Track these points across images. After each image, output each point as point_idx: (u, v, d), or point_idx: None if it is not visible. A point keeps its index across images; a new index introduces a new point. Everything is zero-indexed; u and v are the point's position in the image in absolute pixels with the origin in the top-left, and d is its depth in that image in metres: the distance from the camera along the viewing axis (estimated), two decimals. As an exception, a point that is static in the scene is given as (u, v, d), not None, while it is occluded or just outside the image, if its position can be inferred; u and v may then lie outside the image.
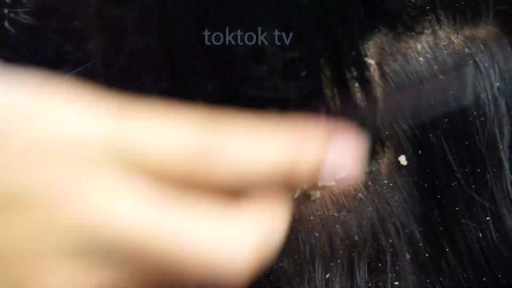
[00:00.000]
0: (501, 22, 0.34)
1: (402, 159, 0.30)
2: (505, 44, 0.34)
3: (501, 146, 0.31)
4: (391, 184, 0.30)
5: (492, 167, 0.31)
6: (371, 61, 0.30)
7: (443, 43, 0.31)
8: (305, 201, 0.29)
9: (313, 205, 0.29)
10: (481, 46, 0.32)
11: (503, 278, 0.30)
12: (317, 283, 0.29)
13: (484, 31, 0.33)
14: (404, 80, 0.30)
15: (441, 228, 0.30)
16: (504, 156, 0.31)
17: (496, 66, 0.32)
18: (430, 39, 0.31)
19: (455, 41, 0.31)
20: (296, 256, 0.30)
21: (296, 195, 0.29)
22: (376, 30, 0.29)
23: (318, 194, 0.30)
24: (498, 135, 0.31)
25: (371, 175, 0.30)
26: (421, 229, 0.30)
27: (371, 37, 0.30)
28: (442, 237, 0.30)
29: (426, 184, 0.30)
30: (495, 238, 0.30)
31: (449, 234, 0.30)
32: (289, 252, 0.29)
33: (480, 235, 0.30)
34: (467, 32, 0.32)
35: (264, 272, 0.29)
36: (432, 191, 0.30)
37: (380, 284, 0.29)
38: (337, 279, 0.29)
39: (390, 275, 0.29)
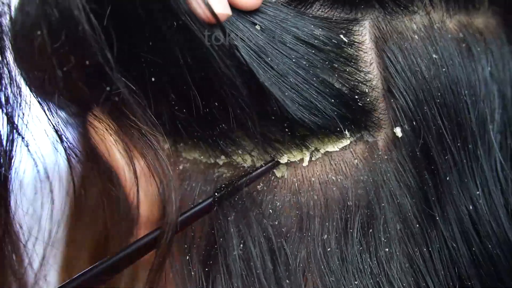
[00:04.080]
0: (496, 12, 0.35)
1: (398, 131, 0.31)
2: (500, 34, 0.35)
3: (491, 127, 0.32)
4: (386, 157, 0.31)
5: (482, 145, 0.32)
6: (367, 38, 0.31)
7: (437, 25, 0.32)
8: (309, 161, 0.30)
9: (314, 168, 0.31)
10: (476, 33, 0.33)
11: (493, 248, 0.30)
12: (313, 242, 0.30)
13: (480, 19, 0.34)
14: (400, 58, 0.31)
15: (433, 199, 0.31)
16: (494, 137, 0.32)
17: (489, 53, 0.34)
18: (425, 20, 0.32)
19: (449, 25, 0.33)
20: (295, 216, 0.30)
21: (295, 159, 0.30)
22: (372, 7, 0.31)
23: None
24: (488, 117, 0.32)
25: (368, 146, 0.31)
26: (413, 200, 0.31)
27: (367, 16, 0.31)
28: (433, 208, 0.31)
29: (420, 156, 0.31)
30: (485, 210, 0.31)
31: (440, 205, 0.31)
32: (288, 212, 0.30)
33: (471, 207, 0.31)
34: (462, 18, 0.33)
35: (264, 231, 0.30)
36: (426, 163, 0.31)
37: (371, 248, 0.30)
38: (332, 240, 0.30)
39: (380, 241, 0.30)
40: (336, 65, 0.29)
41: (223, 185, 0.30)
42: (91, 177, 0.40)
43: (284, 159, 0.30)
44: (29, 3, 0.26)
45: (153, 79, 0.28)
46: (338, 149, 0.30)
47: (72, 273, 0.40)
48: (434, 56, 0.31)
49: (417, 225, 0.31)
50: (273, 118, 0.28)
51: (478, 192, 0.31)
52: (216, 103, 0.28)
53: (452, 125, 0.31)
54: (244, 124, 0.29)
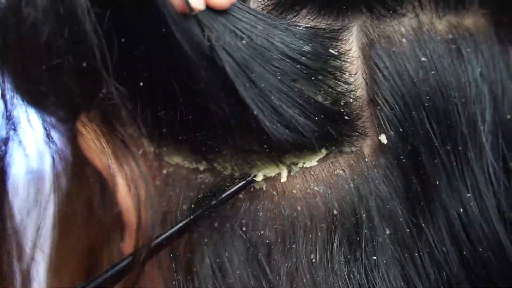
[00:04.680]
0: (486, 11, 0.35)
1: (383, 138, 0.30)
2: (490, 34, 0.35)
3: (482, 128, 0.32)
4: (373, 163, 0.31)
5: (473, 147, 0.32)
6: (353, 46, 0.31)
7: (426, 27, 0.32)
8: (287, 176, 0.30)
9: (294, 181, 0.30)
10: (465, 33, 0.33)
11: (484, 252, 0.30)
12: (297, 253, 0.30)
13: (469, 19, 0.34)
14: (387, 63, 0.31)
15: (422, 203, 0.30)
16: (485, 138, 0.32)
17: (479, 53, 0.33)
18: (414, 22, 0.32)
19: (439, 26, 0.32)
20: (278, 227, 0.30)
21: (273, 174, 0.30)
22: (360, 12, 0.31)
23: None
24: (479, 118, 0.32)
25: (353, 155, 0.31)
26: (402, 205, 0.30)
27: (355, 22, 0.31)
28: (423, 213, 0.30)
29: (408, 162, 0.31)
30: (476, 214, 0.31)
31: (429, 209, 0.31)
32: (271, 223, 0.30)
33: (461, 210, 0.31)
34: (452, 19, 0.33)
35: (245, 242, 0.30)
36: (414, 168, 0.31)
37: (358, 257, 0.30)
38: (317, 251, 0.30)
39: (367, 249, 0.30)
40: (321, 79, 0.29)
41: (197, 204, 0.30)
42: (79, 182, 0.40)
43: (259, 177, 0.30)
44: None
45: (141, 83, 0.28)
46: (316, 163, 0.30)
47: (61, 277, 0.41)
48: (422, 59, 0.31)
49: (408, 230, 0.30)
50: (251, 133, 0.28)
51: (468, 195, 0.31)
52: (198, 111, 0.28)
53: (441, 128, 0.31)
54: (223, 133, 0.28)
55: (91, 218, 0.39)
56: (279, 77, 0.28)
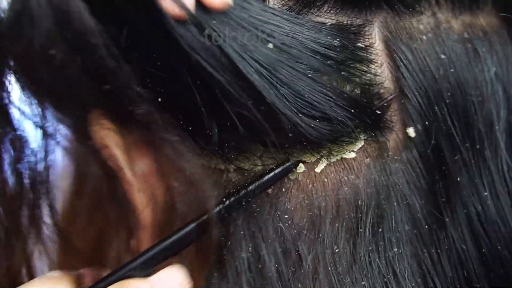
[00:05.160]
0: (500, 12, 0.35)
1: (411, 131, 0.30)
2: (503, 34, 0.35)
3: (497, 127, 0.32)
4: (396, 157, 0.31)
5: (489, 145, 0.32)
6: (377, 39, 0.31)
7: (443, 25, 0.32)
8: (319, 166, 0.30)
9: (328, 170, 0.30)
10: (480, 33, 0.33)
11: (502, 250, 0.30)
12: (323, 243, 0.30)
13: (483, 19, 0.34)
14: (410, 58, 0.31)
15: (443, 200, 0.30)
16: (500, 137, 0.32)
17: (494, 53, 0.34)
18: (431, 20, 0.32)
19: (455, 25, 0.33)
20: (307, 216, 0.30)
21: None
22: (381, 8, 0.31)
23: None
24: (495, 117, 0.32)
25: (379, 146, 0.31)
26: (423, 201, 0.30)
27: (376, 17, 0.31)
28: (443, 209, 0.31)
29: (432, 157, 0.31)
30: (493, 211, 0.31)
31: (450, 206, 0.31)
32: (301, 213, 0.30)
33: (480, 208, 0.31)
34: (467, 18, 0.33)
35: (276, 226, 0.30)
36: (437, 164, 0.31)
37: (380, 248, 0.30)
38: (342, 240, 0.30)
39: (389, 241, 0.30)
40: (352, 72, 0.29)
41: (235, 190, 0.29)
42: (86, 178, 0.40)
43: (301, 168, 0.30)
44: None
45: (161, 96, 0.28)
46: (354, 154, 0.30)
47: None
48: (442, 56, 0.31)
49: (426, 226, 0.30)
50: (288, 133, 0.28)
51: (486, 193, 0.31)
52: (226, 121, 0.28)
53: (461, 125, 0.31)
54: (256, 137, 0.28)
55: (98, 213, 0.38)
56: (309, 75, 0.28)
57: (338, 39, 0.29)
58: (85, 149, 0.36)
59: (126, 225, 0.35)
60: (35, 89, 0.30)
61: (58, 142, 0.32)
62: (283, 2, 0.30)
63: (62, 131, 0.34)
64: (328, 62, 0.28)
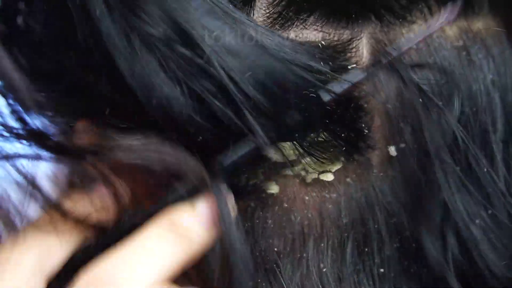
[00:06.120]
0: (497, 15, 0.34)
1: (392, 150, 0.30)
2: (501, 38, 0.34)
3: (493, 138, 0.31)
4: (381, 174, 0.30)
5: (484, 157, 0.31)
6: (364, 54, 0.30)
7: (436, 33, 0.31)
8: (299, 183, 0.30)
9: (308, 187, 0.30)
10: (476, 38, 0.32)
11: (497, 269, 0.30)
12: (309, 262, 0.29)
13: (480, 24, 0.33)
14: (396, 70, 0.30)
15: (432, 216, 0.30)
16: (496, 148, 0.31)
17: (491, 59, 0.32)
18: (423, 29, 0.31)
19: (449, 32, 0.32)
20: (288, 235, 0.30)
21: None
22: (369, 20, 0.30)
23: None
24: (490, 127, 0.31)
25: (361, 164, 0.30)
26: (409, 218, 0.30)
27: (365, 29, 0.30)
28: (430, 227, 0.30)
29: (418, 173, 0.30)
30: (488, 226, 0.30)
31: (441, 223, 0.30)
32: (280, 231, 0.30)
33: (471, 224, 0.30)
34: (462, 24, 0.32)
35: (256, 251, 0.29)
36: (424, 180, 0.30)
37: (366, 268, 0.29)
38: (328, 260, 0.29)
39: (375, 260, 0.29)
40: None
41: None
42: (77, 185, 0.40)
43: (274, 189, 0.29)
44: None
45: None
46: (332, 175, 0.29)
47: None
48: (433, 67, 0.30)
49: (413, 245, 0.30)
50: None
51: (478, 208, 0.30)
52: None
53: (451, 140, 0.30)
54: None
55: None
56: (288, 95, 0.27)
57: (316, 59, 0.28)
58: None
59: None
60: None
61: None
62: (267, 14, 0.29)
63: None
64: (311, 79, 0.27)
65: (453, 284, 0.30)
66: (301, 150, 0.28)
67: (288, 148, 0.28)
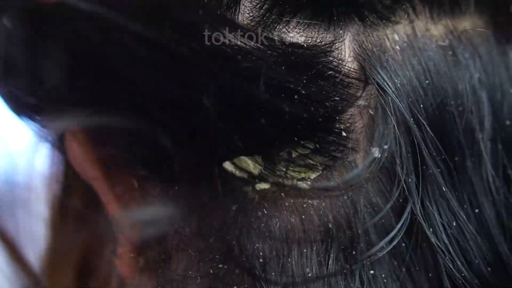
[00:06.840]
0: (483, 13, 0.34)
1: (375, 151, 0.29)
2: (487, 36, 0.33)
3: (480, 136, 0.31)
4: (367, 175, 0.30)
5: (471, 156, 0.31)
6: (346, 56, 0.30)
7: (421, 33, 0.31)
8: (280, 189, 0.29)
9: (289, 193, 0.29)
10: (462, 37, 0.32)
11: (485, 268, 0.30)
12: (293, 268, 0.29)
13: (466, 22, 0.33)
14: (381, 73, 0.30)
15: (419, 215, 0.30)
16: (483, 147, 0.31)
17: (477, 58, 0.32)
18: (408, 29, 0.31)
19: (434, 31, 0.31)
20: (271, 242, 0.29)
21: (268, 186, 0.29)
22: (352, 21, 0.29)
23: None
24: (477, 126, 0.31)
25: (345, 166, 0.30)
26: (397, 218, 0.30)
27: (347, 31, 0.30)
28: (419, 226, 0.30)
29: (403, 174, 0.30)
30: (474, 226, 0.30)
31: (427, 222, 0.30)
32: (264, 237, 0.29)
33: (458, 223, 0.30)
34: (448, 23, 0.32)
35: (239, 257, 0.29)
36: (412, 180, 0.30)
37: (356, 271, 0.29)
38: (313, 265, 0.29)
39: (364, 263, 0.29)
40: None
41: None
42: (70, 190, 0.40)
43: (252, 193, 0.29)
44: None
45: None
46: (308, 186, 0.29)
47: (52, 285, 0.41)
48: (418, 67, 0.30)
49: (403, 245, 0.30)
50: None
51: (465, 206, 0.30)
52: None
53: (438, 137, 0.30)
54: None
55: (84, 226, 0.39)
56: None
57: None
58: (66, 162, 0.36)
59: (111, 240, 0.35)
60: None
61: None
62: (251, 18, 0.29)
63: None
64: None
65: (446, 283, 0.30)
66: (273, 164, 0.28)
67: (256, 160, 0.28)
